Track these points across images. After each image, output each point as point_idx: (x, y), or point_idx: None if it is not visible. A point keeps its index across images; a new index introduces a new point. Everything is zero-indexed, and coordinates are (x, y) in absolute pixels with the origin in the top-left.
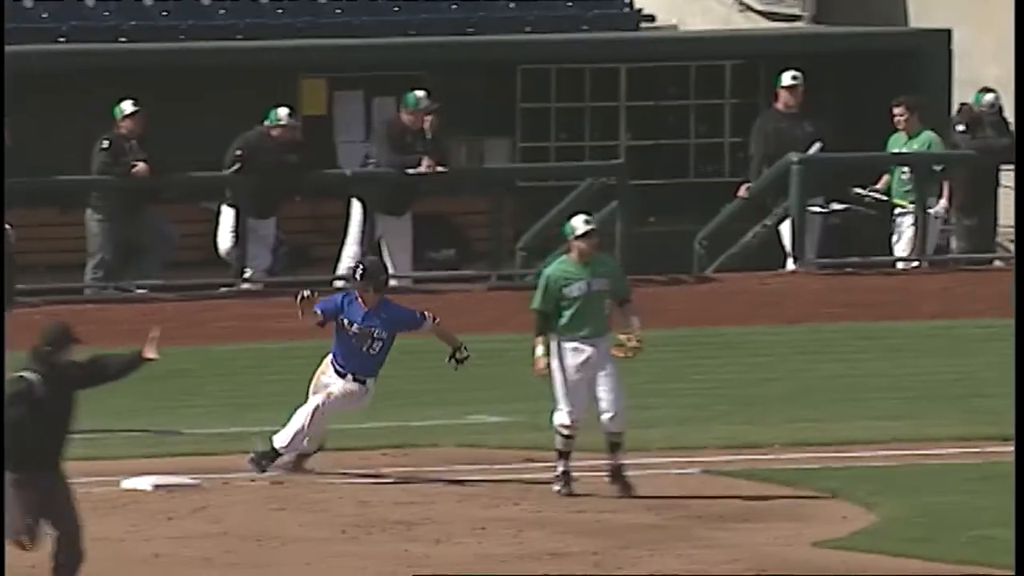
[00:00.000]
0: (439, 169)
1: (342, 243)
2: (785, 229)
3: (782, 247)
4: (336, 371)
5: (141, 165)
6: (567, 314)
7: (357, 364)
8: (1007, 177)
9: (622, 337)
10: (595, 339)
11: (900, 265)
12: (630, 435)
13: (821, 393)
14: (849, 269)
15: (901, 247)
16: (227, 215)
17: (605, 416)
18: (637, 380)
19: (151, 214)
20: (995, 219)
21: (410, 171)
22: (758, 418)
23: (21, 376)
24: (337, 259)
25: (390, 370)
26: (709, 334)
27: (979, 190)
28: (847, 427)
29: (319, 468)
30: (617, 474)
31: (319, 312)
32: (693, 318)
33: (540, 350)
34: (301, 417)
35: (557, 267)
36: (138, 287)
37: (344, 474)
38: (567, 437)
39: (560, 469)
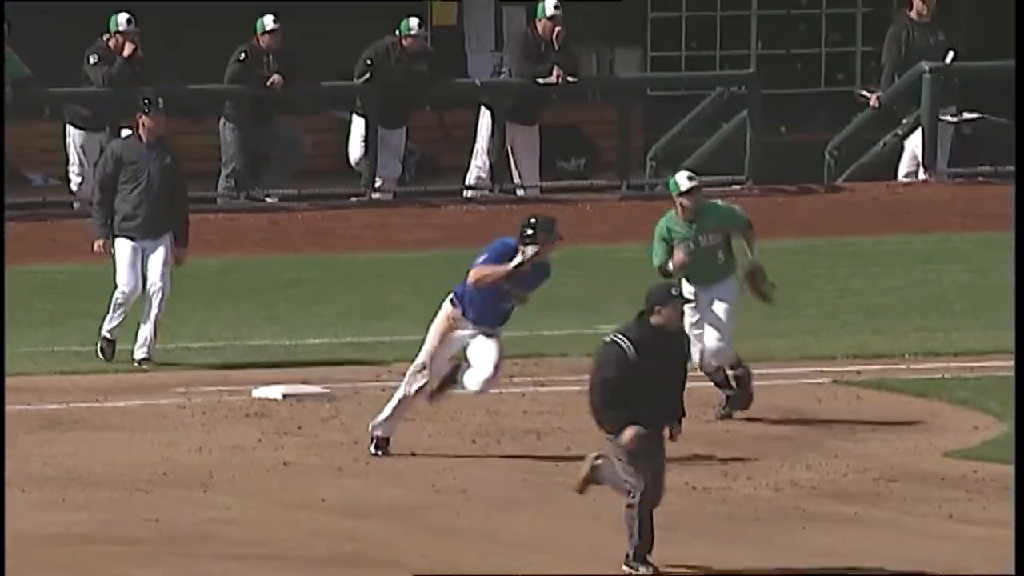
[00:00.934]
0: (569, 79)
1: (471, 153)
2: (915, 139)
3: (914, 158)
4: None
5: (276, 77)
6: None
7: (492, 319)
8: None
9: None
10: (708, 286)
11: None
12: (758, 345)
13: (951, 303)
14: (980, 179)
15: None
16: (357, 124)
17: (707, 349)
18: None
19: (281, 123)
20: None
21: (540, 81)
22: (887, 328)
23: (615, 340)
24: (466, 169)
25: None
26: (838, 243)
27: None
28: (977, 337)
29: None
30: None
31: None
32: (822, 227)
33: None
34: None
35: (663, 223)
36: (268, 196)
37: None
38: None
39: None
